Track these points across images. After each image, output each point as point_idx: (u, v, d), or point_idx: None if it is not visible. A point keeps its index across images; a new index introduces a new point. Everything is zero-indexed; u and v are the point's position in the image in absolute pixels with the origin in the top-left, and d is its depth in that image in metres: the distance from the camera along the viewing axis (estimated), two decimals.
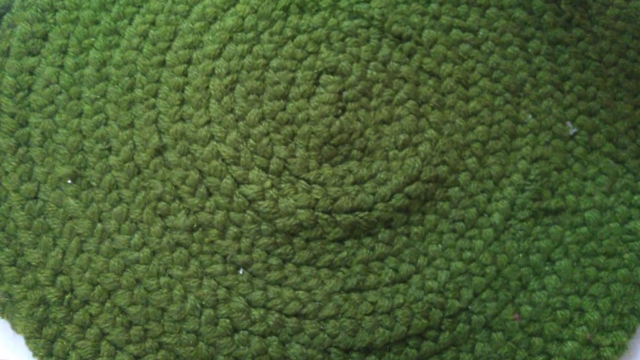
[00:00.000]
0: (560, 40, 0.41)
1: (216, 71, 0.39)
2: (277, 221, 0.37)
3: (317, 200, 0.37)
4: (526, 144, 0.40)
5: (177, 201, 0.37)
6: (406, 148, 0.39)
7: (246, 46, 0.39)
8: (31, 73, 0.39)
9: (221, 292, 0.36)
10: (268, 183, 0.37)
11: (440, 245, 0.38)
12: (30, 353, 0.35)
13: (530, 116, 0.40)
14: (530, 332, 0.36)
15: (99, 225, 0.37)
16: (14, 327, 0.35)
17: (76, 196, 0.37)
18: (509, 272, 0.37)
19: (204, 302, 0.36)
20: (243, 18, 0.40)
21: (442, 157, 0.39)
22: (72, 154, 0.37)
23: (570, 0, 0.42)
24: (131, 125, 0.38)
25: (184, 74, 0.39)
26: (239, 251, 0.36)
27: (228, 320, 0.35)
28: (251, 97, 0.39)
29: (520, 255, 0.38)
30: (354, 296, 0.36)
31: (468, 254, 0.38)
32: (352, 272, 0.37)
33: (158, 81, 0.39)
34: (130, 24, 0.40)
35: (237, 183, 0.37)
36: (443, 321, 0.36)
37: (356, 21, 0.40)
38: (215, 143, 0.38)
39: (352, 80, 0.39)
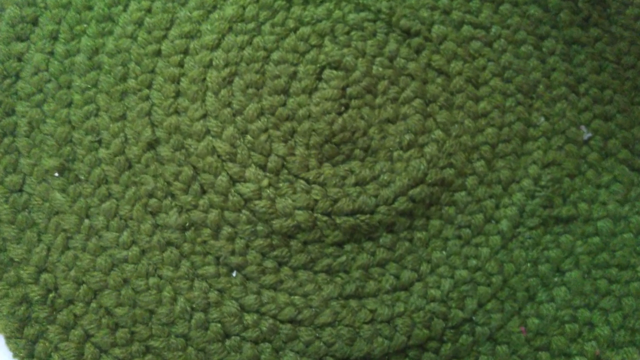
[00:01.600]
0: (577, 40, 0.41)
1: (214, 63, 0.39)
2: (274, 222, 0.36)
3: (316, 201, 0.37)
4: (538, 148, 0.39)
5: (169, 198, 0.37)
6: (411, 149, 0.39)
7: (246, 37, 0.39)
8: (19, 59, 0.39)
9: (213, 295, 0.36)
10: (265, 182, 0.37)
11: (444, 252, 0.38)
12: (11, 354, 0.35)
13: (542, 119, 0.40)
14: (537, 346, 0.36)
15: (87, 221, 0.36)
16: None
17: (63, 190, 0.37)
18: (516, 282, 0.37)
19: (194, 305, 0.36)
20: (244, 7, 0.40)
21: (449, 159, 0.39)
22: (60, 145, 0.37)
23: None
24: (123, 117, 0.38)
25: (180, 64, 0.39)
26: (232, 252, 0.36)
27: (219, 325, 0.35)
28: (250, 91, 0.39)
29: (529, 264, 0.37)
30: (353, 303, 0.36)
31: (473, 262, 0.37)
32: (351, 277, 0.37)
33: (152, 71, 0.39)
34: (125, 10, 0.40)
35: (233, 181, 0.37)
36: (445, 332, 0.36)
37: (362, 14, 0.40)
38: (210, 138, 0.38)
39: (357, 76, 0.39)
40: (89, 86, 0.38)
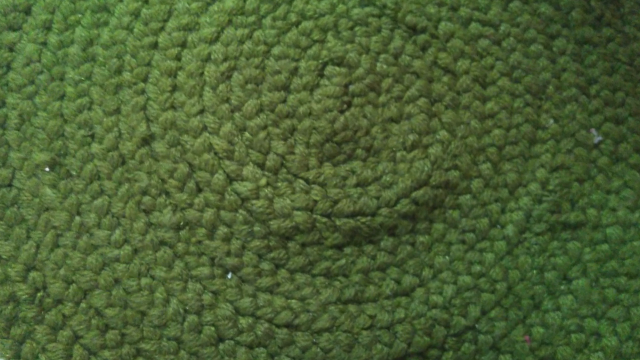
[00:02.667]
0: (589, 40, 0.41)
1: (212, 56, 0.38)
2: (271, 223, 0.36)
3: (315, 201, 0.37)
4: (546, 151, 0.39)
5: (164, 196, 0.37)
6: (415, 149, 0.38)
7: (246, 31, 0.39)
8: (11, 49, 0.38)
9: (207, 297, 0.36)
10: (263, 181, 0.37)
11: (447, 257, 0.37)
12: None
13: (551, 121, 0.40)
14: (542, 356, 0.36)
15: (77, 219, 0.36)
16: None
17: (54, 185, 0.37)
18: (521, 290, 0.37)
19: (187, 307, 0.35)
20: (244, 0, 0.40)
21: (454, 161, 0.38)
22: (52, 139, 0.37)
23: None
24: (117, 111, 0.38)
25: (177, 58, 0.39)
26: (228, 253, 0.36)
27: (213, 328, 0.35)
28: (249, 86, 0.38)
29: (534, 271, 0.37)
30: (352, 308, 0.36)
31: (477, 267, 0.37)
32: (350, 281, 0.36)
33: (149, 64, 0.38)
34: (121, 0, 0.40)
35: (230, 179, 0.37)
36: (447, 340, 0.36)
37: (367, 9, 0.40)
38: (207, 135, 0.37)
39: (360, 73, 0.39)
40: (83, 78, 0.38)
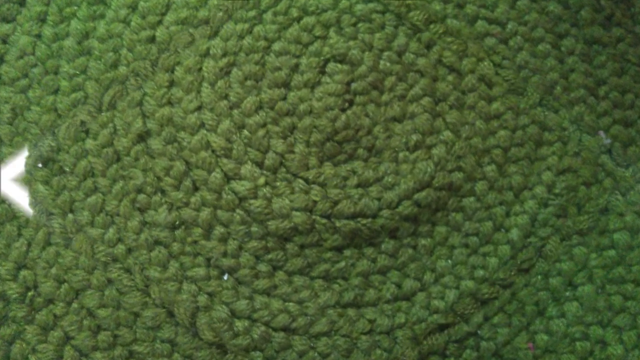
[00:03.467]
0: (598, 40, 0.41)
1: (211, 52, 0.38)
2: (270, 223, 0.36)
3: (315, 202, 0.37)
4: (553, 154, 0.39)
5: (159, 194, 0.37)
6: (418, 150, 0.38)
7: (246, 25, 0.39)
8: (4, 42, 0.38)
9: (202, 299, 0.35)
10: (262, 180, 0.37)
11: (449, 261, 0.37)
12: None
13: None
14: None
15: (70, 216, 0.36)
16: None
17: (46, 182, 0.36)
18: (525, 296, 0.37)
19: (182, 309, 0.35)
20: None
21: (457, 162, 0.38)
22: (45, 134, 0.37)
23: None
24: (112, 106, 0.38)
25: (175, 52, 0.38)
26: (224, 254, 0.36)
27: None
28: (248, 82, 0.38)
29: (539, 277, 0.37)
30: (351, 312, 0.36)
31: (481, 272, 0.37)
32: (349, 285, 0.36)
33: (146, 59, 0.38)
34: None
35: (227, 178, 0.37)
36: (448, 346, 0.36)
37: (371, 5, 0.40)
38: (205, 132, 0.37)
39: (363, 70, 0.39)
40: (78, 72, 0.38)
